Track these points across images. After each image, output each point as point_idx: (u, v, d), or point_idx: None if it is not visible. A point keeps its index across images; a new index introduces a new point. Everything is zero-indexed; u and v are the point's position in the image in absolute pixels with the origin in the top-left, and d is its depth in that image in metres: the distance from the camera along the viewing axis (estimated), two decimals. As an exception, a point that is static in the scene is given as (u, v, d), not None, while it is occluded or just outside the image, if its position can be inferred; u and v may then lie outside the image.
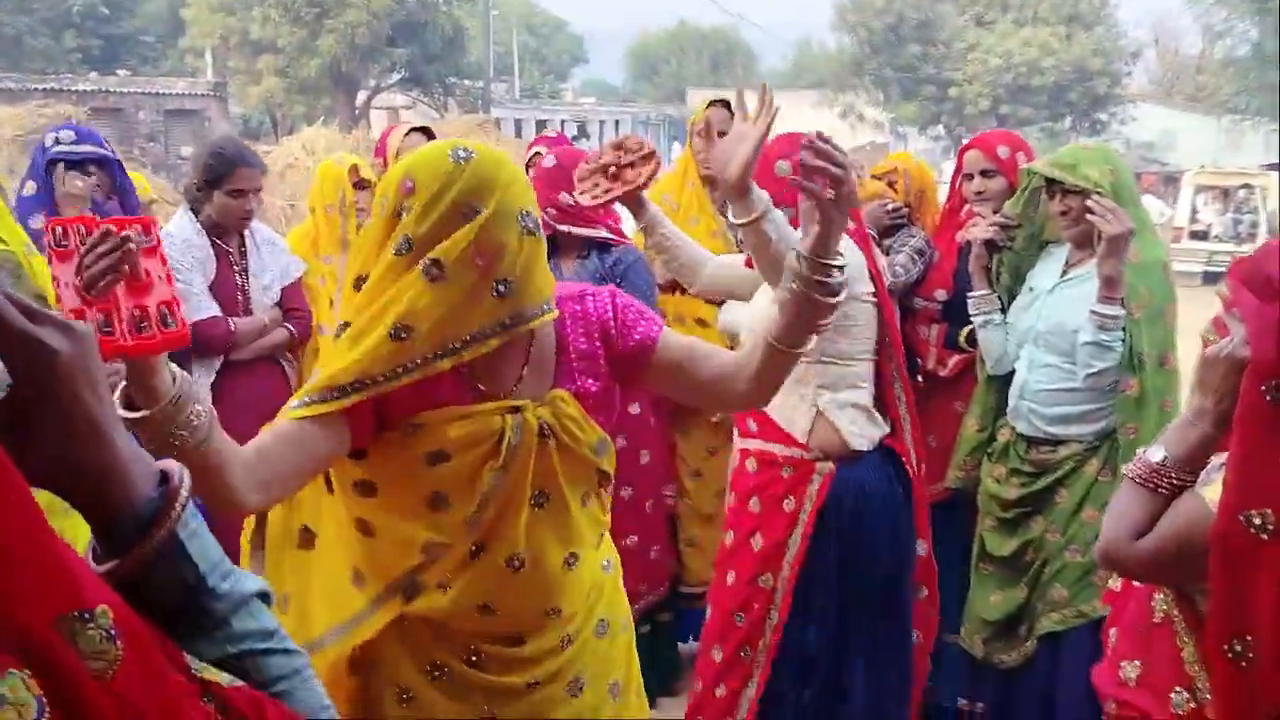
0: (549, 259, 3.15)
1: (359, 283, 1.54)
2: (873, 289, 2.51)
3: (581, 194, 2.67)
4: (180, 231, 3.18)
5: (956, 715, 3.16)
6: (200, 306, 3.09)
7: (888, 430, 2.57)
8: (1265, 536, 1.38)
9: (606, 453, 1.69)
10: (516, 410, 1.59)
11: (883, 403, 2.59)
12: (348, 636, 1.63)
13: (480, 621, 1.66)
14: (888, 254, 3.26)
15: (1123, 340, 2.64)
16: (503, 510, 1.60)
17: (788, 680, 2.57)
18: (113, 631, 0.69)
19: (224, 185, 3.15)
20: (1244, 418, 1.43)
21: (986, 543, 2.96)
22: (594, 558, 1.76)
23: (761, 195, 2.12)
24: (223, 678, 0.80)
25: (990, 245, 2.98)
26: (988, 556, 2.96)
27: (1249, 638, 1.40)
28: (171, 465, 0.85)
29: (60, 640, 0.66)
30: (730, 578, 2.63)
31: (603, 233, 3.14)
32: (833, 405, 2.49)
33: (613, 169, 2.64)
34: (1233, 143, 31.71)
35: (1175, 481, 1.57)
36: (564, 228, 3.08)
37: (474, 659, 1.67)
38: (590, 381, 1.69)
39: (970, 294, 3.02)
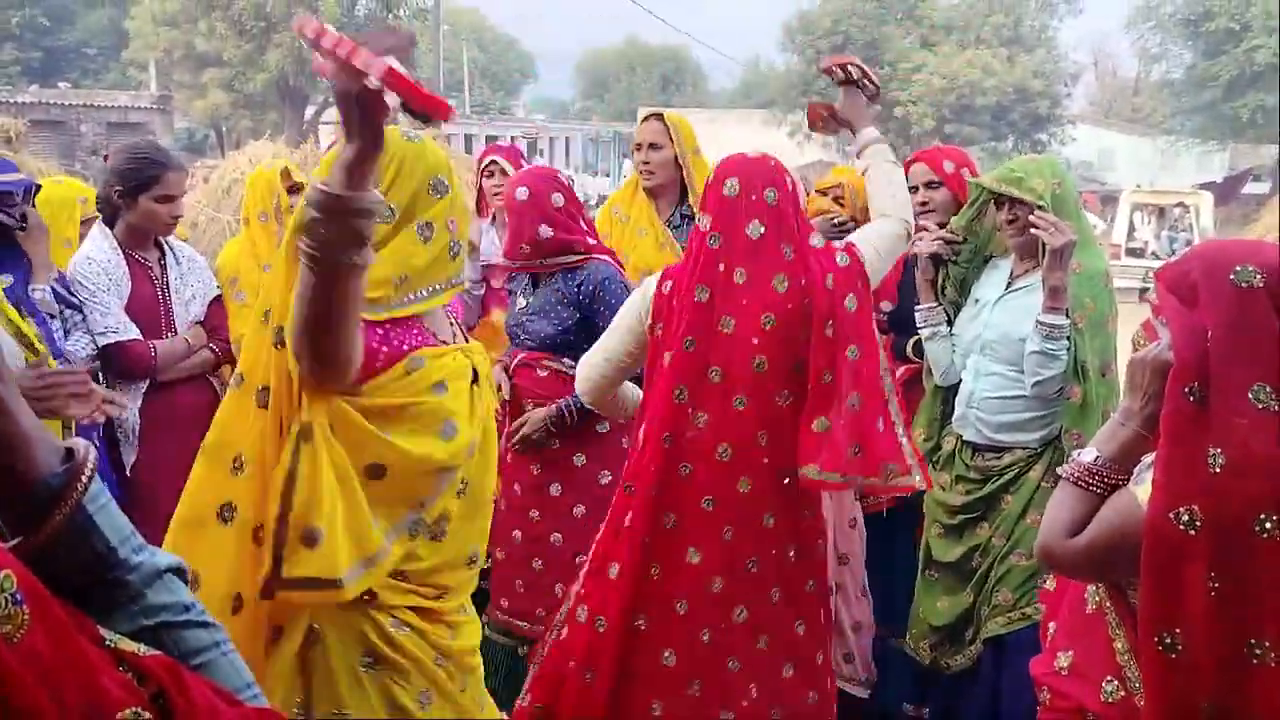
0: (531, 289, 3.14)
1: None
2: None
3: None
4: (98, 254, 3.03)
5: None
6: (118, 329, 2.97)
7: None
8: (1193, 532, 1.44)
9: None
10: (465, 354, 1.82)
11: None
12: (367, 575, 1.66)
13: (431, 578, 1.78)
14: None
15: (1068, 349, 2.71)
16: (482, 447, 1.81)
17: None
18: (18, 596, 0.70)
19: (153, 190, 3.02)
20: (1169, 419, 1.49)
21: (932, 549, 3.00)
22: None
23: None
24: (138, 647, 0.80)
25: (935, 259, 3.04)
26: (934, 563, 3.00)
27: (1178, 630, 1.45)
28: (77, 442, 0.86)
29: None
30: None
31: (576, 254, 3.05)
32: None
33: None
34: (1168, 163, 32.50)
35: (1107, 480, 1.62)
36: (541, 260, 3.05)
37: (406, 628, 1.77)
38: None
39: (917, 307, 3.08)
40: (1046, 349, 2.71)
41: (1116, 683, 1.64)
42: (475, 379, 1.81)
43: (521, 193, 3.04)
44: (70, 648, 0.73)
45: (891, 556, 3.30)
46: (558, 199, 3.02)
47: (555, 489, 3.09)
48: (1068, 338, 2.71)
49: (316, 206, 1.37)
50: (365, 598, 1.68)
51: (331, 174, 1.37)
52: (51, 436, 0.84)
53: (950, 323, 3.05)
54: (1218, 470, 1.44)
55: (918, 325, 3.08)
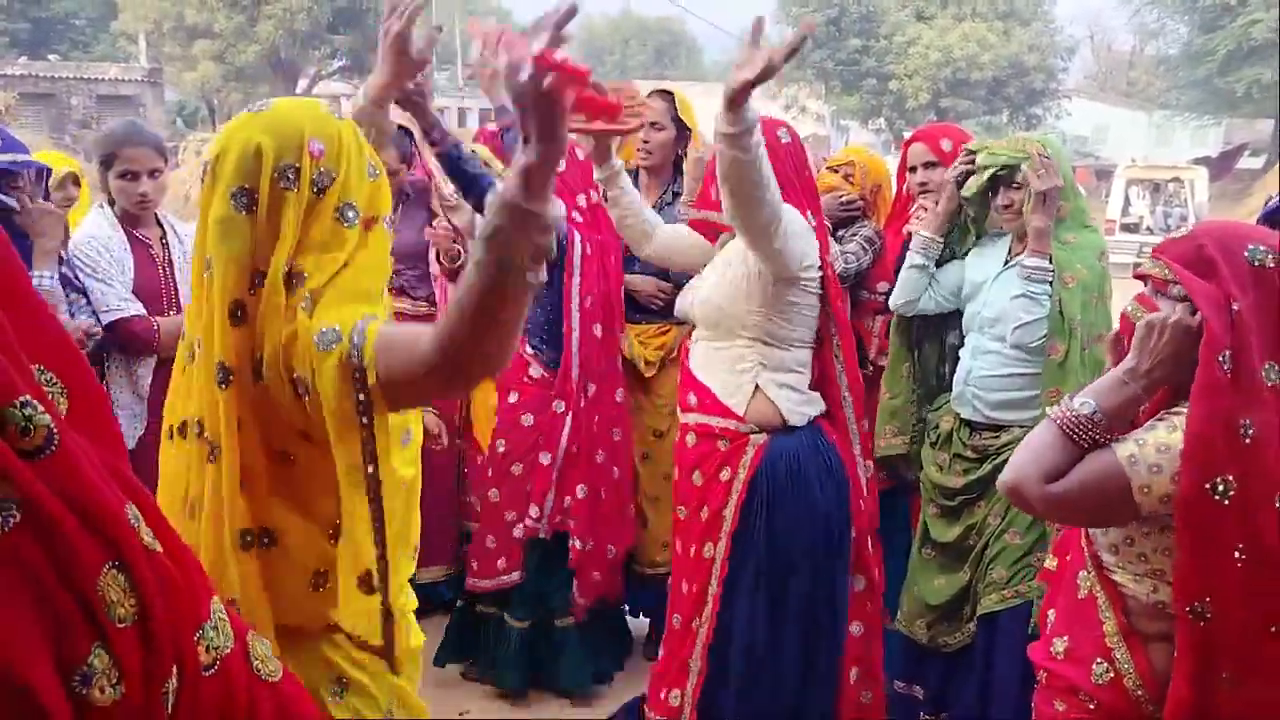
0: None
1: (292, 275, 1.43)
2: (819, 278, 2.58)
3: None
4: (98, 231, 3.02)
5: (896, 700, 3.18)
6: (121, 306, 2.96)
7: (823, 409, 2.66)
8: (1227, 502, 1.48)
9: None
10: None
11: (824, 390, 2.67)
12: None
13: None
14: (840, 244, 3.32)
15: (1048, 294, 2.73)
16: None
17: (727, 651, 2.63)
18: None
19: (114, 167, 3.00)
20: (1203, 389, 1.52)
21: (930, 529, 3.00)
22: None
23: (752, 115, 2.24)
24: None
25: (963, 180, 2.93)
26: (930, 542, 3.00)
27: (1209, 599, 1.50)
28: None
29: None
30: (679, 548, 2.72)
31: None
32: (771, 384, 2.58)
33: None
34: (1163, 137, 32.50)
35: (1095, 436, 1.63)
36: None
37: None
38: None
39: (919, 233, 3.01)
40: (1028, 290, 2.73)
41: (1106, 664, 1.68)
42: None
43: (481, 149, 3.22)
44: (183, 544, 0.87)
45: (886, 537, 3.32)
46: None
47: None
48: (1049, 283, 2.72)
49: (504, 217, 1.20)
50: (328, 625, 1.54)
51: (512, 183, 1.20)
52: None
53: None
54: (1249, 441, 1.48)
55: (911, 248, 3.02)
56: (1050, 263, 2.73)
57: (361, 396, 1.35)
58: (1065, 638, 1.77)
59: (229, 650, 0.86)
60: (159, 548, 0.79)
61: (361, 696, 1.57)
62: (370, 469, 1.41)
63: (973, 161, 2.91)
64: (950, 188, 2.96)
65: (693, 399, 2.68)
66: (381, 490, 1.43)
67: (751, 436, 2.59)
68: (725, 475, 2.60)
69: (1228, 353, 1.51)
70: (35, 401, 0.71)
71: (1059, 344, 2.72)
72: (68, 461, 0.72)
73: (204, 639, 0.82)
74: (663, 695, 2.70)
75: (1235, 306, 1.52)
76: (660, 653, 2.79)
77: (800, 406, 2.61)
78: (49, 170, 2.98)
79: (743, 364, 2.57)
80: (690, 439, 2.70)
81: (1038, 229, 2.71)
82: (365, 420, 1.37)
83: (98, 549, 0.73)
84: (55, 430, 0.72)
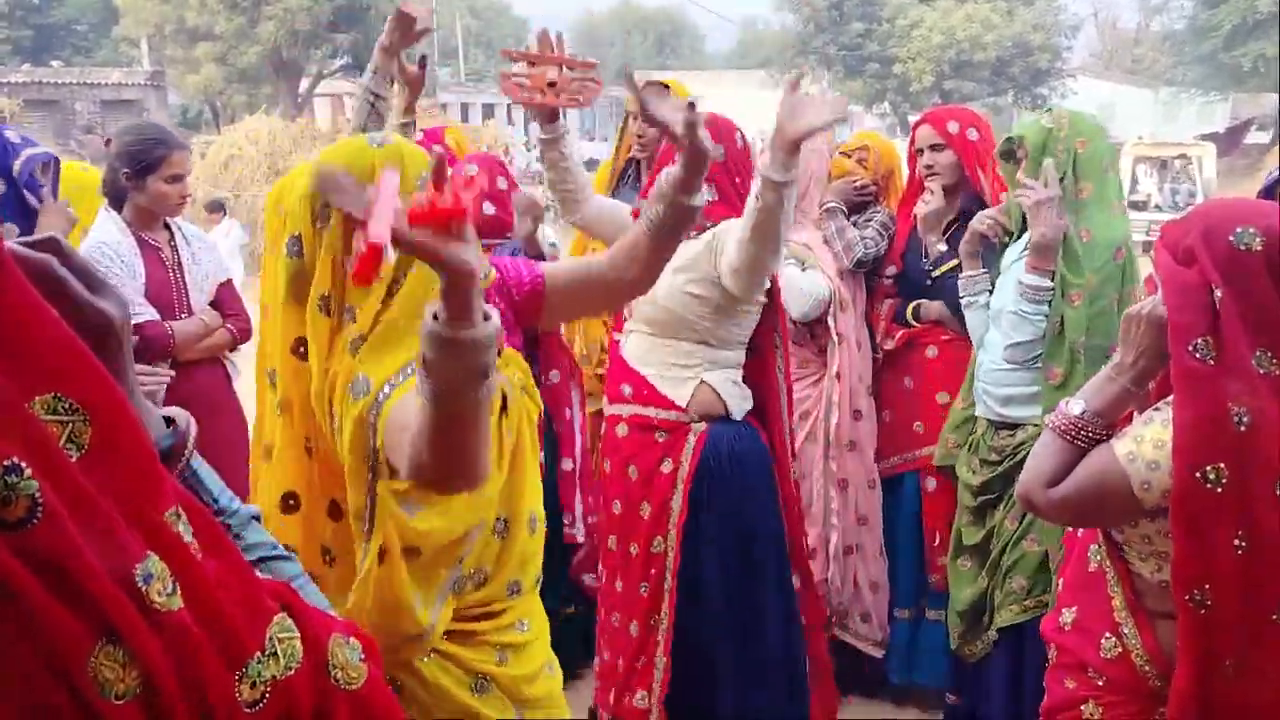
0: None
1: (326, 299, 1.51)
2: (768, 288, 2.61)
3: (508, 89, 2.51)
4: (108, 237, 2.98)
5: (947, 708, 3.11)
6: (134, 312, 2.88)
7: (751, 406, 2.66)
8: (1220, 490, 1.46)
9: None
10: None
11: (762, 398, 2.67)
12: (414, 649, 1.55)
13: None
14: (856, 229, 3.31)
15: (1046, 315, 2.59)
16: (515, 471, 1.62)
17: (691, 646, 2.62)
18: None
19: (161, 171, 2.98)
20: (1180, 379, 1.50)
21: (963, 535, 2.88)
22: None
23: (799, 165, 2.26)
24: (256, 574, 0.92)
25: (984, 239, 2.89)
26: (963, 549, 2.88)
27: (1208, 586, 1.49)
28: (178, 412, 0.98)
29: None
30: (614, 545, 2.69)
31: (506, 237, 3.17)
32: (715, 378, 2.58)
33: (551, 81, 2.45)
34: (1169, 114, 32.28)
35: (1091, 435, 1.64)
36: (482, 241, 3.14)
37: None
38: (510, 339, 1.74)
39: (960, 275, 2.94)
40: (1021, 310, 2.60)
41: (1115, 639, 1.68)
42: (504, 406, 1.58)
43: (471, 169, 3.13)
44: (240, 568, 0.83)
45: (894, 523, 3.31)
46: (501, 182, 3.12)
47: None
48: (1048, 303, 2.58)
49: (431, 348, 1.16)
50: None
51: (432, 311, 1.16)
52: (154, 408, 0.95)
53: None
54: (1243, 429, 1.45)
55: (960, 293, 2.93)
56: (1053, 279, 2.58)
57: (372, 454, 1.40)
58: (1074, 609, 1.76)
59: (293, 671, 0.79)
60: (176, 605, 0.70)
61: (411, 704, 1.59)
62: (368, 524, 1.45)
63: (996, 221, 2.86)
64: (972, 233, 2.87)
65: (627, 390, 2.65)
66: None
67: (692, 425, 2.59)
68: (667, 467, 2.60)
69: (1203, 340, 1.47)
70: (22, 465, 0.63)
71: (1056, 368, 2.58)
72: (54, 531, 0.64)
73: (247, 677, 0.75)
74: (625, 699, 2.66)
75: (1217, 294, 1.47)
76: (603, 654, 2.77)
77: (741, 401, 2.62)
78: (57, 160, 3.01)
79: (688, 360, 2.58)
80: (622, 430, 2.66)
81: (1036, 245, 2.56)
82: (371, 476, 1.41)
83: (87, 628, 0.65)
84: (40, 498, 0.63)
